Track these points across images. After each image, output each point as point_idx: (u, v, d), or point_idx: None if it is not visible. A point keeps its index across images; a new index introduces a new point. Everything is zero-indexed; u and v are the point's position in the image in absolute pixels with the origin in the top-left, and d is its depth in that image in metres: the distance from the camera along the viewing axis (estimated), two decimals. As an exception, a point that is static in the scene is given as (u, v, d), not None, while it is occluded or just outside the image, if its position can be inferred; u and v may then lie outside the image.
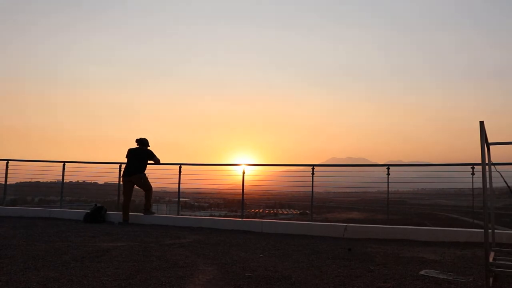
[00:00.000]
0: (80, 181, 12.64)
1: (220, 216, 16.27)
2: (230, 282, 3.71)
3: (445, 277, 3.89)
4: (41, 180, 12.64)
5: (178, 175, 9.13)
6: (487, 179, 4.28)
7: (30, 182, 13.53)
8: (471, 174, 6.87)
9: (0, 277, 3.64)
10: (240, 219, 8.33)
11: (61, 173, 9.81)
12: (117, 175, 9.39)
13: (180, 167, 9.12)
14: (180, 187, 9.36)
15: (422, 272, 4.12)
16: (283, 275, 3.99)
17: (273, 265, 4.52)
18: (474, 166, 6.83)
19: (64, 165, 9.73)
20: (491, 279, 3.59)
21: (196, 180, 10.07)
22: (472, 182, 6.86)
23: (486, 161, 3.95)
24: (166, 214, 11.23)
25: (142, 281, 3.65)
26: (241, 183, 8.86)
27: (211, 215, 20.48)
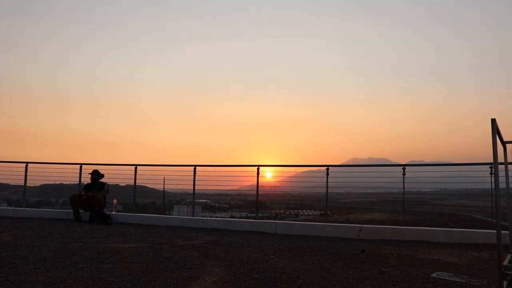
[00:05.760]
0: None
1: (240, 217, 16.29)
2: (235, 283, 3.66)
3: (457, 280, 3.76)
4: (65, 183, 12.88)
5: (193, 177, 9.16)
6: (502, 179, 4.12)
7: (54, 184, 13.78)
8: (490, 173, 6.67)
9: (9, 277, 3.68)
10: (254, 220, 8.29)
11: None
12: (133, 176, 9.50)
13: (194, 169, 9.15)
14: (199, 188, 9.41)
15: (433, 275, 4.00)
16: (291, 277, 3.92)
17: (282, 266, 4.45)
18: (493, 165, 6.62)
19: (81, 167, 9.88)
20: (505, 283, 3.44)
21: (215, 182, 10.11)
22: (491, 182, 6.66)
23: (501, 160, 3.81)
24: (186, 216, 11.29)
25: (147, 282, 3.63)
26: (262, 184, 8.84)
27: (231, 216, 20.55)
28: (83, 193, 9.18)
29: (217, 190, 11.63)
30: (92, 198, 8.97)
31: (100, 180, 9.36)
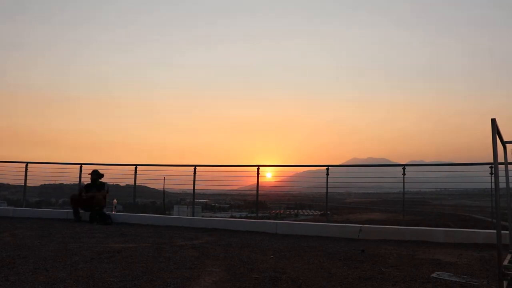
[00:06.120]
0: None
1: (240, 217, 16.28)
2: (235, 283, 3.66)
3: (457, 280, 3.76)
4: (65, 182, 12.88)
5: (193, 177, 9.17)
6: (501, 178, 4.12)
7: (54, 184, 13.76)
8: (490, 173, 6.67)
9: (9, 277, 3.68)
10: (255, 220, 8.30)
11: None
12: (133, 176, 9.51)
13: (194, 169, 9.16)
14: (199, 188, 9.43)
15: (433, 275, 4.00)
16: (291, 277, 3.92)
17: (282, 266, 4.45)
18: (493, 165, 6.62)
19: (81, 167, 9.88)
20: (505, 283, 3.44)
21: (215, 182, 10.12)
22: (491, 182, 6.66)
23: (501, 160, 3.81)
24: (186, 216, 11.30)
25: (147, 282, 3.63)
26: (262, 184, 8.86)
27: (231, 216, 20.55)
28: (83, 193, 9.18)
29: (217, 190, 11.64)
30: (92, 198, 8.97)
31: (100, 180, 9.37)
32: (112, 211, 9.51)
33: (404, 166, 7.79)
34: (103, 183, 9.36)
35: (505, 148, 4.52)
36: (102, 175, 9.39)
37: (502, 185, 4.28)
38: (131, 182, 9.93)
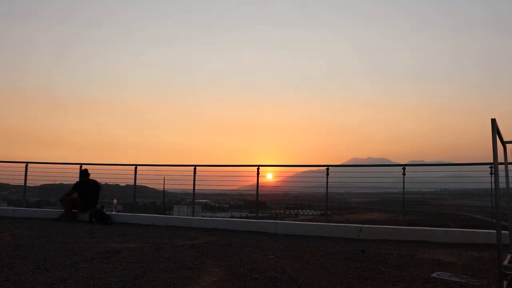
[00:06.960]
0: (102, 183, 12.84)
1: (240, 217, 16.28)
2: (235, 283, 3.66)
3: (457, 280, 3.76)
4: (65, 183, 12.87)
5: (193, 177, 9.18)
6: (501, 178, 4.12)
7: (54, 184, 13.75)
8: (490, 173, 6.68)
9: (9, 277, 3.68)
10: (255, 220, 8.30)
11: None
12: (133, 176, 9.51)
13: (194, 169, 9.16)
14: (199, 188, 9.44)
15: (433, 275, 4.00)
16: (291, 277, 3.92)
17: (282, 266, 4.45)
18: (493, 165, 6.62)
19: (81, 167, 9.88)
20: (505, 283, 3.44)
21: (215, 182, 10.13)
22: (491, 182, 6.67)
23: (501, 160, 3.81)
24: (186, 216, 11.31)
25: (147, 282, 3.63)
26: (262, 184, 8.88)
27: (231, 216, 20.54)
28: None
29: (217, 190, 11.66)
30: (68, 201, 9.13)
31: (83, 179, 9.43)
32: (112, 211, 9.51)
33: (404, 166, 7.80)
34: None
35: (505, 148, 4.52)
36: (83, 174, 9.45)
37: (502, 185, 4.28)
38: (131, 182, 9.95)
